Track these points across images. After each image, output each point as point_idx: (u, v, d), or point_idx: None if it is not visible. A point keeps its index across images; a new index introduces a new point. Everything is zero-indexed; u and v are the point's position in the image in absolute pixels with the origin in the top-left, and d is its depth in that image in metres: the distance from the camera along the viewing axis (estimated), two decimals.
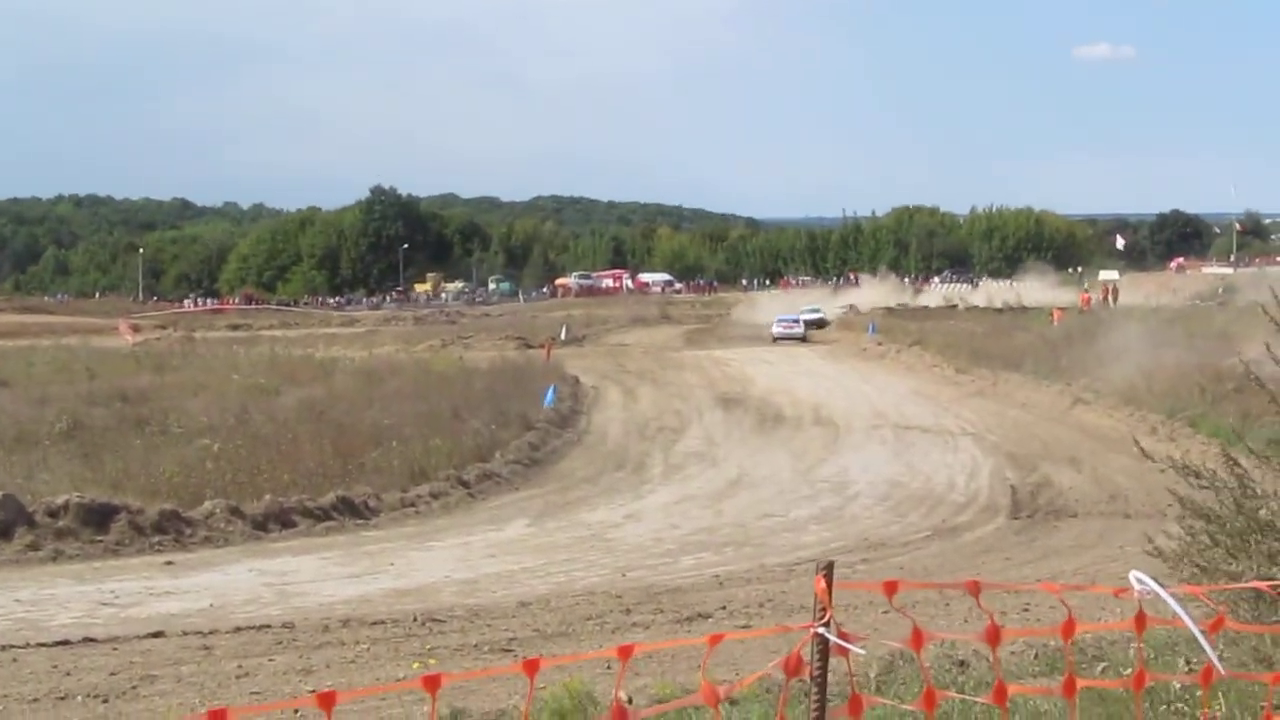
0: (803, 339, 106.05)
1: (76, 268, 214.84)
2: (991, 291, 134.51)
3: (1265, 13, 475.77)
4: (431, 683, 4.09)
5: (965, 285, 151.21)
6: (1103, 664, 9.91)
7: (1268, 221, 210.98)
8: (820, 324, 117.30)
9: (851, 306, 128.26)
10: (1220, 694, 6.46)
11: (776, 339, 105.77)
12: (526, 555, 34.03)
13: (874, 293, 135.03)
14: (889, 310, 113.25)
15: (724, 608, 26.52)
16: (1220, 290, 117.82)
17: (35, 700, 19.98)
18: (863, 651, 4.86)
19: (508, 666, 4.27)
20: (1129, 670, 5.44)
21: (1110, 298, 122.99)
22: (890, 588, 4.79)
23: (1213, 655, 5.40)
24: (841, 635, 4.68)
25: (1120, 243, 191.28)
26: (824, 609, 4.67)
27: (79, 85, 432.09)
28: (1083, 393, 61.35)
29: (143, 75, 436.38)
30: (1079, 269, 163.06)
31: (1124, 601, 5.32)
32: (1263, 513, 8.24)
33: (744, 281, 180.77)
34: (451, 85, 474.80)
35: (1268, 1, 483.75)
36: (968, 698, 5.95)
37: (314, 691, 3.36)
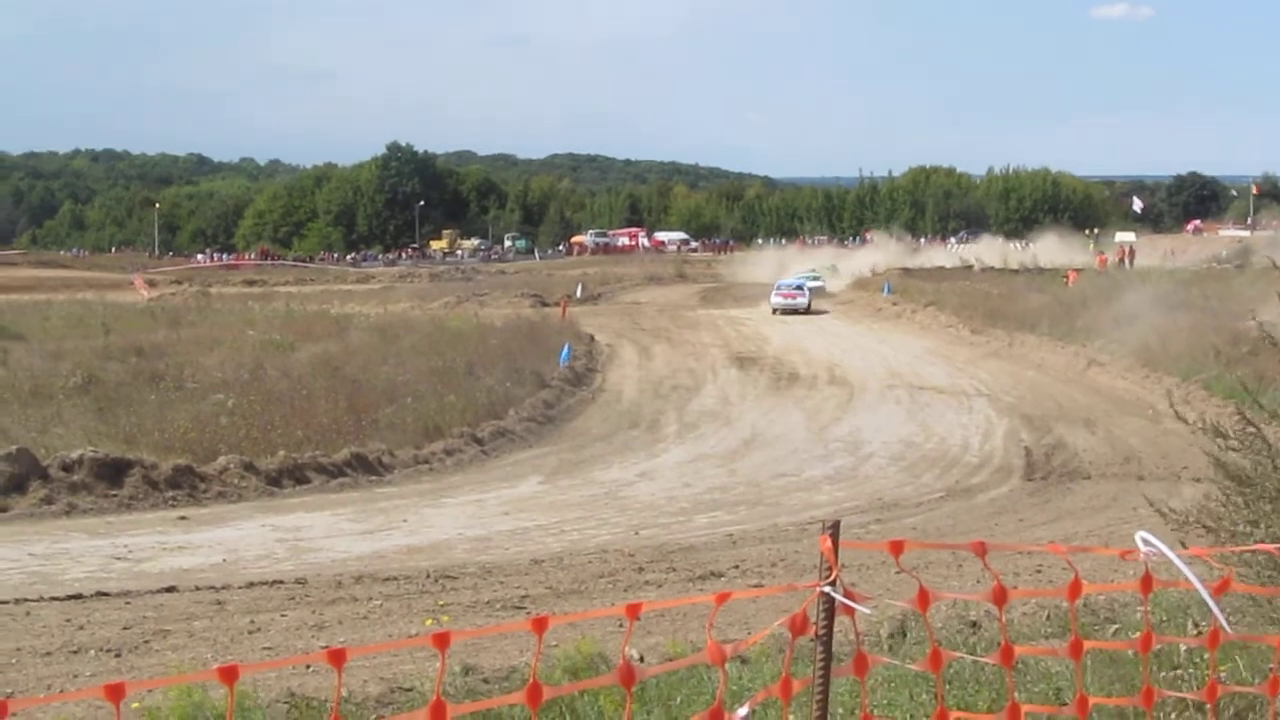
0: (806, 310, 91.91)
1: (93, 222, 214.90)
2: (1006, 252, 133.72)
3: None
4: (441, 640, 4.09)
5: (971, 245, 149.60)
6: (1115, 625, 9.89)
7: None
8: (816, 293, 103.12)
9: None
10: (1232, 656, 6.45)
11: (776, 310, 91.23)
12: (539, 513, 34.01)
13: (884, 254, 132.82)
14: (905, 270, 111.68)
15: (737, 566, 26.51)
16: (1236, 253, 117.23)
17: (48, 653, 20.00)
18: (870, 611, 4.85)
19: (519, 623, 4.26)
20: (1138, 633, 5.42)
21: (1127, 259, 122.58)
22: (896, 548, 4.78)
23: (1220, 617, 5.39)
24: (848, 594, 4.67)
25: (1138, 205, 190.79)
26: (830, 568, 4.67)
27: (95, 40, 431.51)
28: (1098, 354, 61.23)
29: (160, 30, 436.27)
30: (1095, 230, 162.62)
31: (1135, 564, 5.30)
32: None
33: (759, 240, 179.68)
34: (469, 44, 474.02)
35: None
36: (976, 658, 5.94)
37: (326, 647, 3.35)
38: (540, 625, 4.31)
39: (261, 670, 15.25)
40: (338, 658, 3.85)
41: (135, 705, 13.77)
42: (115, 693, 3.62)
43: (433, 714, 3.94)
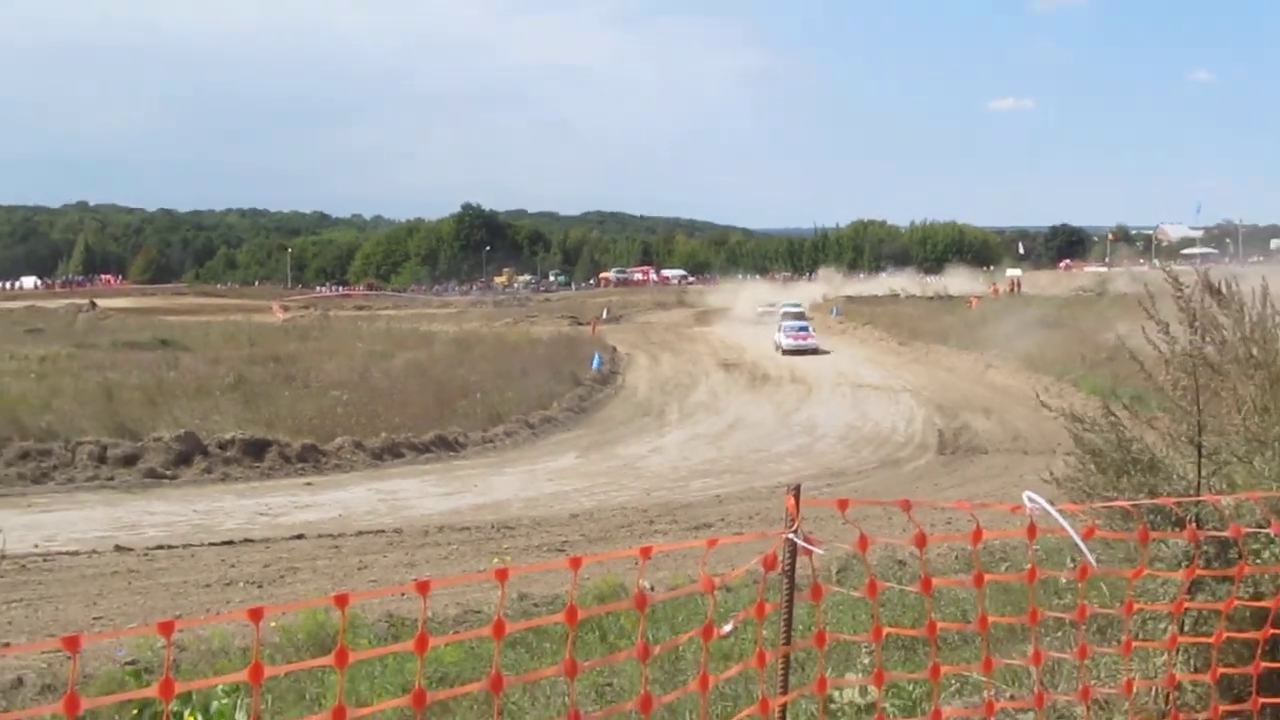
0: (815, 350, 70.67)
1: (241, 263, 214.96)
2: (924, 284, 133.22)
3: (1134, 70, 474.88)
4: (501, 574, 4.05)
5: (897, 277, 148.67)
6: (1006, 563, 9.92)
7: (1133, 232, 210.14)
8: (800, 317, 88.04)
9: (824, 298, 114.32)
10: (1097, 586, 6.43)
11: (784, 351, 70.37)
12: (575, 479, 34.04)
13: (831, 285, 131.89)
14: (848, 298, 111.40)
15: (723, 519, 26.50)
16: (1096, 284, 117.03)
17: (208, 585, 20.04)
18: (822, 552, 4.82)
19: (559, 562, 4.27)
20: (1025, 568, 5.38)
21: (1014, 289, 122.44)
22: (842, 504, 4.75)
23: (1089, 556, 5.37)
24: (807, 540, 4.65)
25: (1021, 248, 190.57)
26: (793, 520, 4.64)
27: (242, 125, 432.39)
28: (993, 360, 61.14)
29: (293, 117, 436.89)
30: (991, 267, 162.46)
31: (1022, 516, 5.28)
32: (1136, 450, 8.26)
33: (740, 276, 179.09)
34: (524, 126, 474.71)
35: (1135, 66, 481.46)
36: (903, 588, 5.92)
37: (415, 580, 3.32)
38: (575, 563, 4.26)
39: (367, 598, 15.23)
40: (424, 588, 3.80)
41: (273, 624, 13.74)
42: (256, 614, 3.59)
43: (495, 630, 3.90)
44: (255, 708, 3.87)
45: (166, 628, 3.49)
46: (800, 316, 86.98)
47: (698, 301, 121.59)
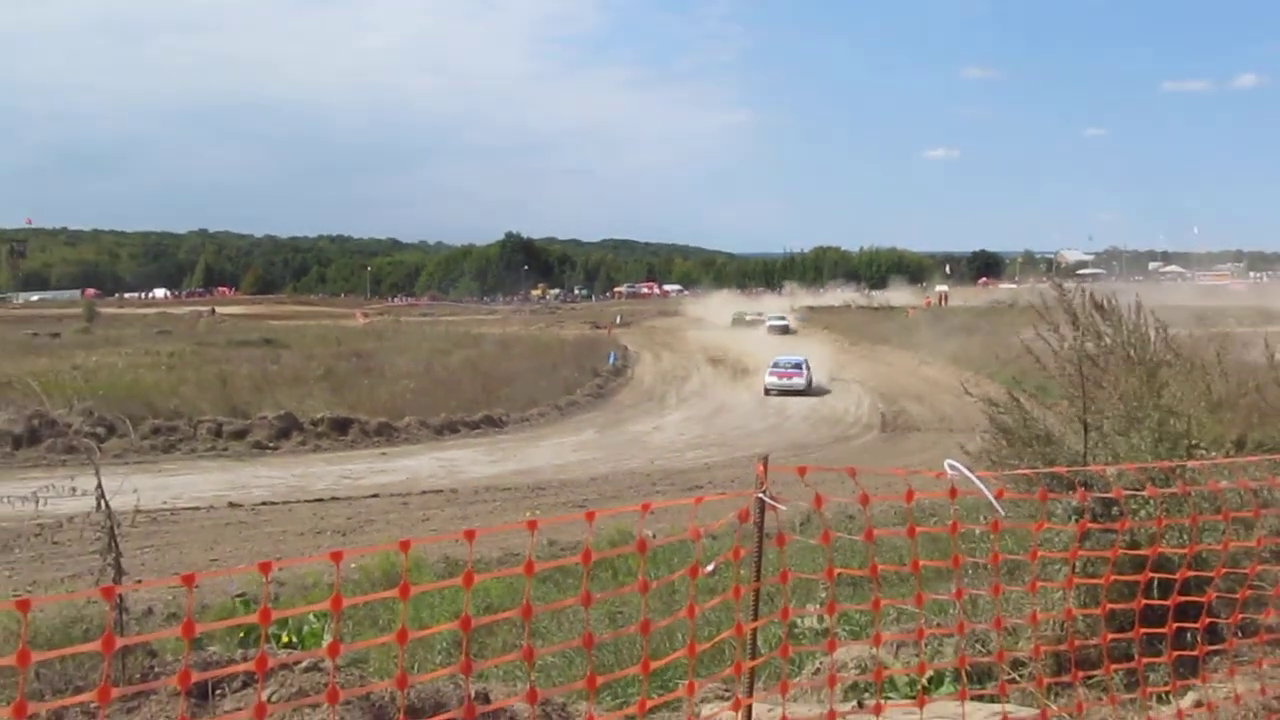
0: (804, 390, 50.73)
1: (330, 278, 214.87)
2: (870, 298, 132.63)
3: (1040, 126, 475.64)
4: (532, 525, 4.05)
5: (847, 291, 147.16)
6: (934, 518, 9.91)
7: (1038, 255, 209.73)
8: (786, 329, 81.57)
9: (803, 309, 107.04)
10: (1005, 537, 6.44)
11: (770, 391, 50.71)
12: (594, 450, 34.07)
13: (796, 298, 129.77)
14: (810, 308, 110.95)
15: (710, 482, 26.59)
16: (1008, 298, 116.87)
17: (302, 534, 20.10)
18: (785, 508, 4.84)
19: (579, 514, 4.30)
20: (949, 522, 5.39)
21: (943, 301, 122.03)
22: (802, 470, 4.76)
23: (1000, 512, 5.38)
24: (773, 498, 4.66)
25: (948, 268, 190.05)
26: (762, 482, 4.65)
27: (331, 163, 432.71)
28: (925, 357, 61.20)
29: (371, 160, 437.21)
30: (924, 283, 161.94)
31: (946, 480, 5.29)
32: (1036, 429, 8.34)
33: (725, 290, 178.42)
34: (553, 172, 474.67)
35: (1041, 122, 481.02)
36: (851, 537, 5.92)
37: (464, 529, 3.37)
38: (590, 516, 4.28)
39: (429, 543, 15.26)
40: (471, 535, 3.81)
41: (353, 565, 13.76)
42: (337, 557, 3.59)
43: (527, 569, 3.90)
44: (336, 630, 3.88)
45: (265, 567, 3.49)
46: (785, 330, 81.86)
47: (680, 310, 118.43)
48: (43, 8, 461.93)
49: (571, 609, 8.53)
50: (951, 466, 5.35)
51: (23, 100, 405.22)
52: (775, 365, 52.90)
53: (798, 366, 52.79)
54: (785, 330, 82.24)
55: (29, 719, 3.26)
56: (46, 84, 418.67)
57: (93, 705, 6.06)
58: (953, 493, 5.29)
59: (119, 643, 3.50)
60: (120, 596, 7.85)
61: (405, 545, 3.72)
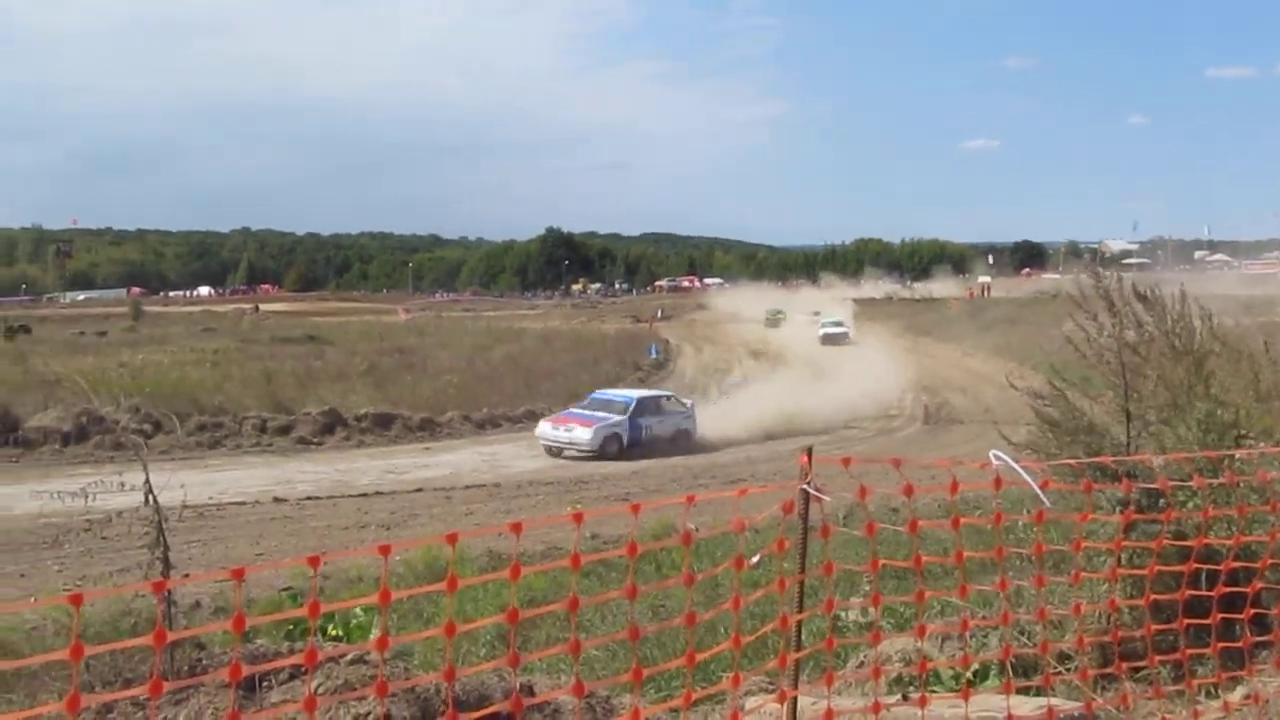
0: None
1: (372, 275, 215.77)
2: (913, 290, 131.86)
3: (1083, 114, 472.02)
4: (578, 518, 4.07)
5: (889, 283, 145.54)
6: (978, 510, 9.87)
7: (1082, 245, 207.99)
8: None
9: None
10: (1049, 528, 6.41)
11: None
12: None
13: (835, 290, 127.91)
14: (854, 300, 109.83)
15: (752, 475, 26.54)
16: (1051, 289, 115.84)
17: (346, 528, 20.19)
18: (830, 500, 4.83)
19: (623, 507, 4.30)
20: (993, 514, 5.38)
21: (985, 292, 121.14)
22: (846, 461, 4.76)
23: (1045, 503, 5.36)
24: (817, 490, 4.66)
25: (990, 259, 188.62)
26: (806, 474, 4.65)
27: (372, 162, 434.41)
28: (968, 350, 60.91)
29: (411, 158, 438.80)
30: (965, 274, 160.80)
31: (990, 471, 5.28)
32: (1080, 420, 8.28)
33: (765, 282, 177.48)
34: (591, 168, 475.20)
35: (1084, 110, 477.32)
36: (895, 528, 5.91)
37: (509, 522, 3.39)
38: (635, 509, 4.28)
39: (472, 536, 15.29)
40: (517, 528, 3.82)
41: (398, 558, 13.82)
42: (385, 550, 3.61)
43: (572, 562, 3.92)
44: (384, 624, 3.91)
45: (314, 561, 3.52)
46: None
47: (708, 303, 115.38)
48: (84, 12, 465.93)
49: (616, 602, 8.56)
50: (996, 457, 5.34)
51: (69, 103, 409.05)
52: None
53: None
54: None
55: (80, 712, 3.30)
56: (92, 87, 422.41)
57: (143, 698, 6.14)
58: (997, 484, 5.27)
59: (170, 637, 3.54)
60: (169, 591, 7.93)
61: (453, 539, 3.75)
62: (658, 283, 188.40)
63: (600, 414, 34.20)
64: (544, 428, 33.95)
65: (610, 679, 6.40)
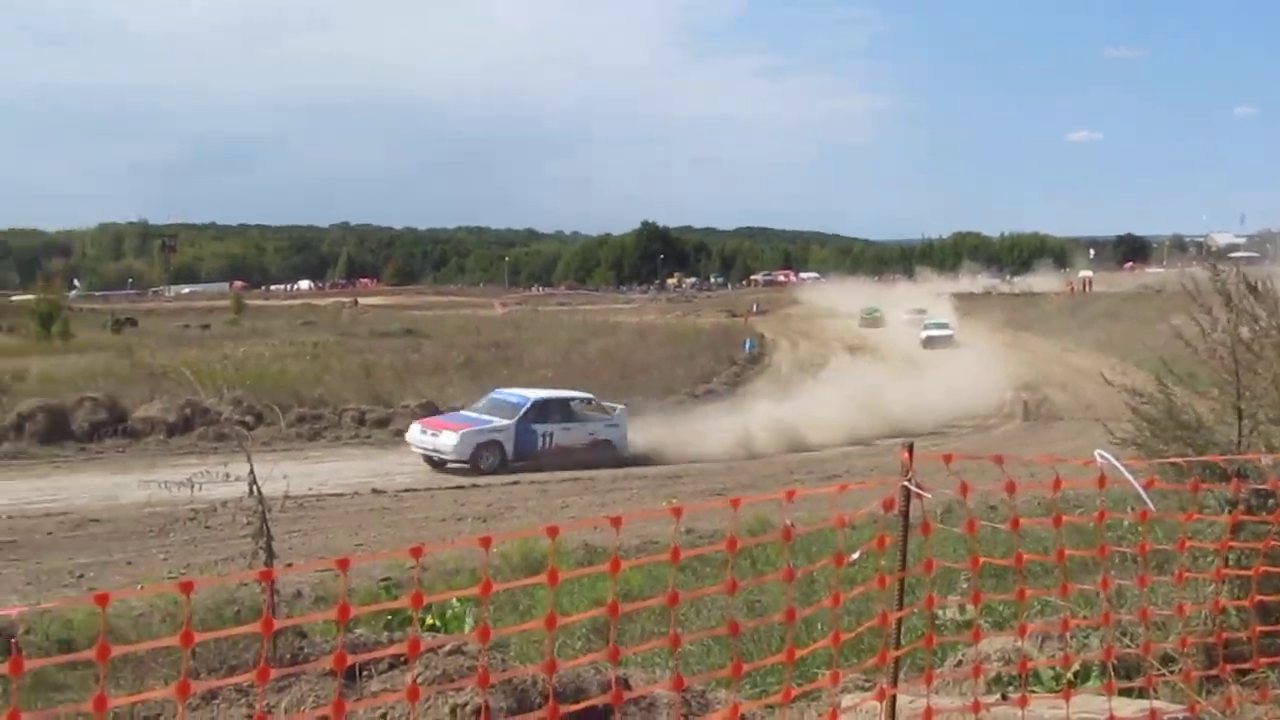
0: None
1: (468, 269, 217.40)
2: (1012, 284, 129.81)
3: (1188, 104, 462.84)
4: (677, 511, 4.08)
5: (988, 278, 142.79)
6: (1079, 509, 9.73)
7: (1187, 239, 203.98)
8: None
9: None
10: (1154, 527, 6.32)
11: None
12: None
13: (932, 284, 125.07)
14: (954, 295, 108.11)
15: (848, 471, 26.37)
16: (1155, 284, 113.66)
17: (443, 520, 20.38)
18: (930, 497, 4.80)
19: (721, 501, 4.31)
20: (1095, 512, 5.32)
21: (1086, 287, 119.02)
22: (948, 458, 4.73)
23: (1148, 502, 5.29)
24: (919, 486, 4.64)
25: (1091, 253, 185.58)
26: (908, 470, 4.63)
27: (470, 157, 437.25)
28: (1069, 345, 60.05)
29: (509, 153, 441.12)
30: (1066, 269, 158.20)
31: (1091, 470, 5.22)
32: (1185, 417, 8.16)
33: (861, 277, 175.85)
34: (687, 160, 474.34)
35: (1189, 100, 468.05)
36: (995, 526, 5.86)
37: (607, 515, 3.41)
38: (735, 503, 4.29)
39: (571, 530, 15.41)
40: (617, 522, 3.85)
41: (494, 551, 13.94)
42: (486, 542, 3.66)
43: (672, 556, 3.93)
44: (484, 615, 3.95)
45: (416, 552, 3.57)
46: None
47: (798, 298, 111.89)
48: (186, 11, 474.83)
49: (709, 597, 8.57)
50: (1100, 455, 5.28)
51: (172, 101, 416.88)
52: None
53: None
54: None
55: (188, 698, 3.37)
56: (197, 86, 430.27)
57: (246, 684, 6.26)
58: (1100, 482, 5.21)
59: (277, 624, 3.62)
60: (273, 580, 8.07)
61: (553, 531, 3.78)
62: (753, 277, 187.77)
63: (485, 417, 29.45)
64: (414, 431, 29.34)
65: (707, 674, 6.40)
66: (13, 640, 9.38)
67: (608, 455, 29.62)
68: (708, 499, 21.69)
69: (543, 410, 29.67)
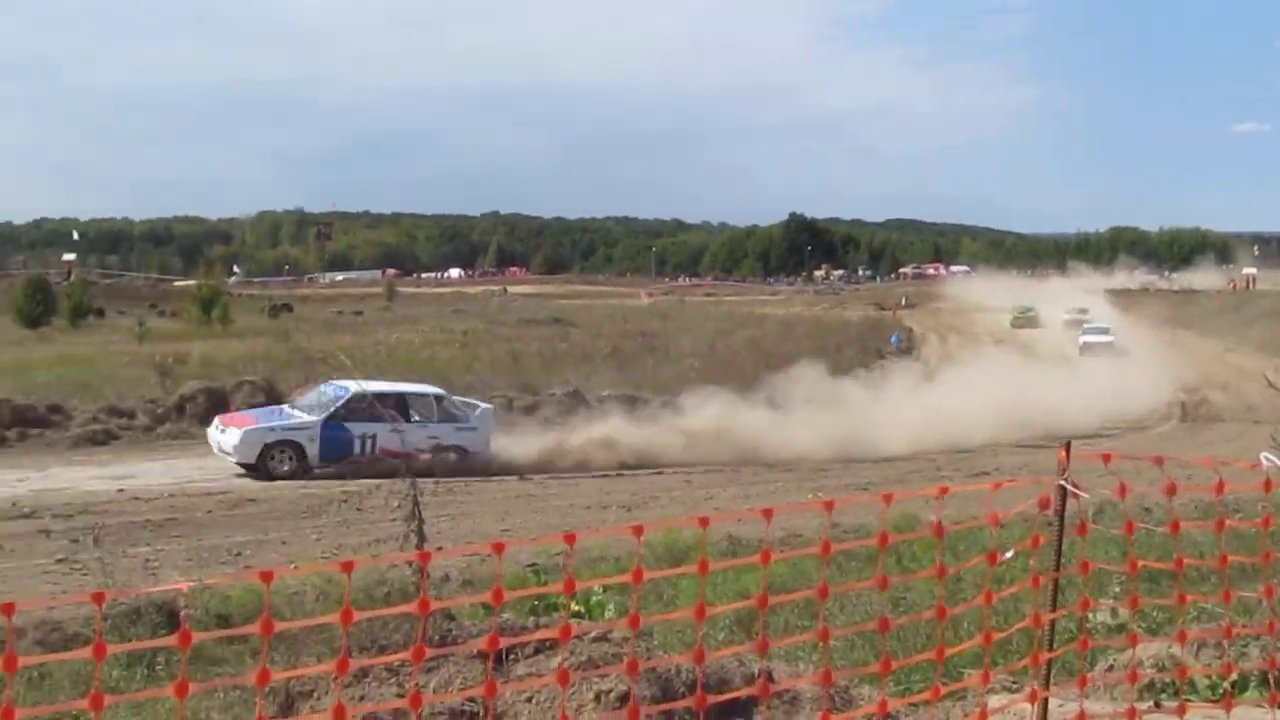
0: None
1: (615, 259, 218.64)
2: (1170, 281, 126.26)
3: None
4: (829, 505, 4.08)
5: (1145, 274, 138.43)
6: (1239, 513, 9.46)
7: None
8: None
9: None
10: None
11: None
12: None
13: (1086, 280, 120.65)
14: (1108, 291, 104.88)
15: (997, 468, 25.92)
16: None
17: (588, 507, 20.51)
18: (1087, 496, 4.72)
19: (873, 495, 4.27)
20: (1259, 518, 5.17)
21: (1250, 284, 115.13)
22: (1107, 457, 4.64)
23: None
24: (1075, 485, 4.57)
25: (1256, 250, 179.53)
26: (1064, 469, 4.57)
27: (617, 147, 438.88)
28: (1230, 344, 58.27)
29: (655, 143, 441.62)
30: (1229, 265, 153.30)
31: (1256, 473, 5.07)
32: None
33: (1013, 271, 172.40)
34: (838, 153, 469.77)
35: None
36: (1154, 528, 5.73)
37: (753, 508, 3.37)
38: (888, 499, 4.27)
39: (718, 521, 15.39)
40: (769, 514, 3.86)
41: (641, 539, 14.01)
42: (638, 530, 3.70)
43: (823, 550, 3.92)
44: (635, 604, 3.98)
45: (570, 538, 3.62)
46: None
47: (945, 293, 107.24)
48: (348, 6, 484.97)
49: (853, 592, 8.51)
50: (1266, 459, 5.13)
51: (328, 92, 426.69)
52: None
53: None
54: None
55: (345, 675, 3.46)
56: (349, 76, 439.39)
57: (397, 664, 6.40)
58: (1266, 486, 5.07)
59: (432, 606, 3.70)
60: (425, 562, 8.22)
61: (704, 521, 3.80)
62: (901, 270, 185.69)
63: (293, 413, 25.51)
64: (211, 427, 25.34)
65: (852, 670, 6.36)
66: (182, 614, 9.72)
67: (461, 465, 24.89)
68: (853, 493, 21.51)
69: (362, 407, 24.51)
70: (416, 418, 25.36)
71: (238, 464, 23.84)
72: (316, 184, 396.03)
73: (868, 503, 4.23)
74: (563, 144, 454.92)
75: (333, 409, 24.67)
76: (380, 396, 25.06)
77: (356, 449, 24.31)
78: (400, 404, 25.54)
